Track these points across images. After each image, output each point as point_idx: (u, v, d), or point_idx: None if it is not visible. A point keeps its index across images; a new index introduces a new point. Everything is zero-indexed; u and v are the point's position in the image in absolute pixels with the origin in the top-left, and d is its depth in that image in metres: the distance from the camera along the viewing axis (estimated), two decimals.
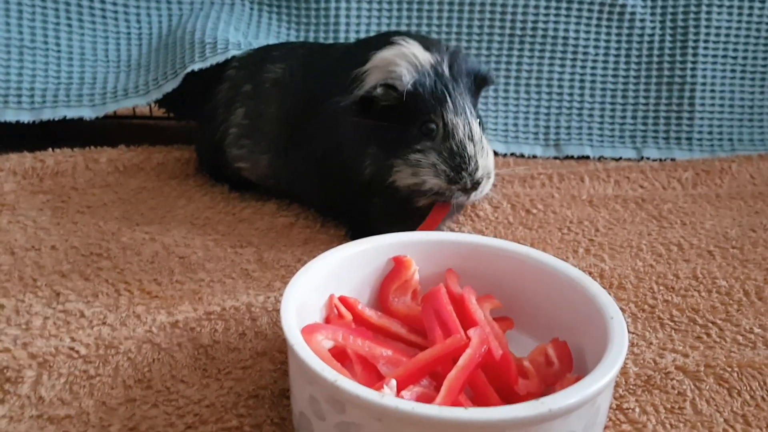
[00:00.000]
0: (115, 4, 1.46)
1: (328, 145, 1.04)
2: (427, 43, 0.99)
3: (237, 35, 1.41)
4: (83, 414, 0.67)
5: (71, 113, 1.38)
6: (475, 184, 0.93)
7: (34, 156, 1.27)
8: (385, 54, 0.97)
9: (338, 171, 1.03)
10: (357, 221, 1.06)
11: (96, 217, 1.11)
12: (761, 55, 1.58)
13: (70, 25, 1.44)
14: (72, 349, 0.76)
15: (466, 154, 0.92)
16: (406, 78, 0.92)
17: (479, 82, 1.00)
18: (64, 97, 1.40)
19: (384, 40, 1.01)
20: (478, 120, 0.98)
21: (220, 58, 1.31)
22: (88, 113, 1.39)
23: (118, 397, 0.70)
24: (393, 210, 1.00)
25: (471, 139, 0.93)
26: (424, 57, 0.95)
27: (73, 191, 1.20)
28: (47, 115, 1.38)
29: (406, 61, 0.94)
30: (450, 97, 0.93)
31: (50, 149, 1.31)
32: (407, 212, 1.00)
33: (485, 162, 0.94)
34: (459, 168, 0.92)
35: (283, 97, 1.14)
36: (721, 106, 1.57)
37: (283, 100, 1.13)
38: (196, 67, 1.32)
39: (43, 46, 1.42)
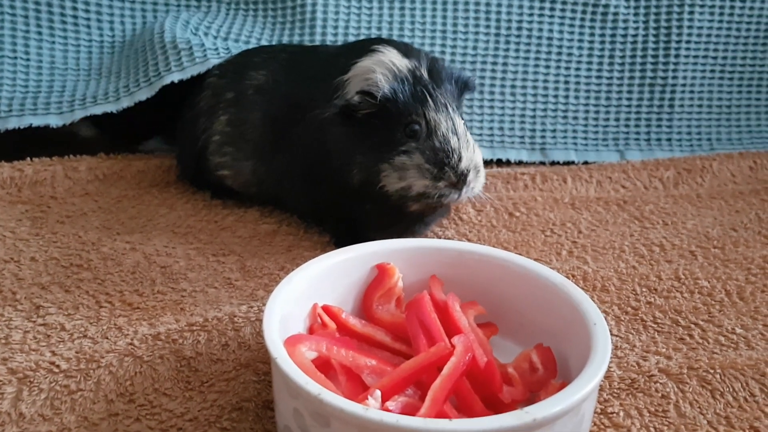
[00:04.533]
0: (87, 11, 1.43)
1: (314, 153, 1.04)
2: (406, 50, 1.00)
3: (209, 39, 1.39)
4: (65, 430, 0.67)
5: (37, 121, 1.34)
6: (461, 177, 0.93)
7: (12, 165, 1.25)
8: (364, 63, 0.98)
9: (325, 178, 1.03)
10: (342, 228, 1.06)
11: (76, 227, 1.09)
12: (740, 55, 1.59)
13: (40, 33, 1.41)
14: (53, 363, 0.75)
15: (449, 148, 0.92)
16: (382, 84, 0.93)
17: (460, 88, 1.00)
18: (31, 105, 1.36)
19: (364, 48, 1.01)
20: (463, 121, 0.98)
21: (201, 69, 1.30)
22: (55, 121, 1.35)
23: (100, 412, 0.69)
24: (385, 215, 1.01)
25: (455, 132, 0.93)
26: (402, 63, 0.96)
27: (52, 201, 1.19)
28: (13, 123, 1.34)
29: (384, 68, 0.95)
30: (430, 96, 0.94)
31: (28, 158, 1.29)
32: (400, 217, 1.00)
33: (470, 154, 0.94)
34: (442, 163, 0.92)
35: (266, 103, 1.13)
36: (700, 106, 1.58)
37: (267, 107, 1.13)
38: (176, 78, 1.30)
39: (11, 54, 1.39)
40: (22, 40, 1.40)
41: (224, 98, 1.18)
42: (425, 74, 0.97)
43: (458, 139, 0.93)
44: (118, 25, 1.45)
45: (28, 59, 1.40)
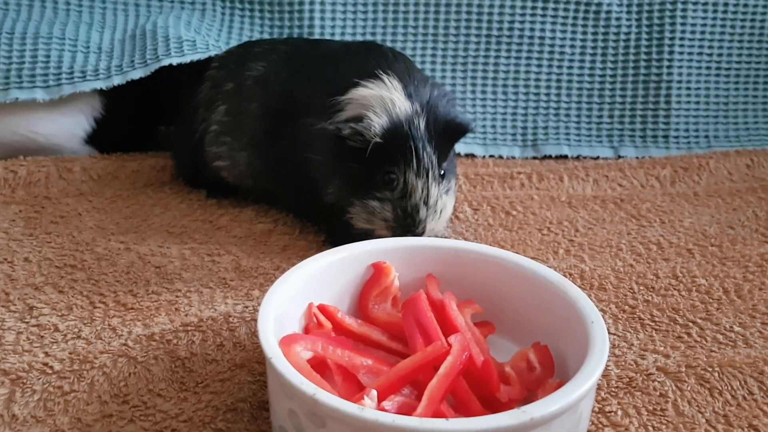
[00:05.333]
0: (80, 5, 1.43)
1: (301, 155, 1.04)
2: (410, 86, 0.97)
3: (211, 39, 1.39)
4: (58, 431, 0.66)
5: (23, 95, 1.30)
6: None
7: (5, 166, 1.24)
8: (365, 92, 0.96)
9: (307, 182, 1.04)
10: (335, 227, 1.05)
11: (70, 227, 1.09)
12: (736, 52, 1.59)
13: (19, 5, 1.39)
14: (46, 364, 0.74)
15: (417, 217, 0.93)
16: (376, 129, 0.91)
17: (457, 133, 0.99)
18: (16, 78, 1.31)
19: (369, 67, 0.99)
20: (442, 173, 0.97)
21: (202, 56, 1.30)
22: (41, 95, 1.31)
23: (94, 413, 0.68)
24: (350, 235, 1.00)
25: (426, 203, 0.93)
26: (403, 106, 0.94)
27: (46, 201, 1.18)
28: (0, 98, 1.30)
29: (382, 108, 0.93)
30: (416, 156, 0.93)
31: (22, 158, 1.28)
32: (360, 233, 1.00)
33: (434, 225, 0.95)
34: (408, 227, 0.94)
35: (264, 95, 1.13)
36: (697, 103, 1.58)
37: (264, 99, 1.13)
38: (175, 61, 1.29)
39: None
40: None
41: (224, 89, 1.18)
42: (422, 126, 0.94)
43: (427, 210, 0.94)
44: (110, 16, 1.43)
45: (12, 31, 1.35)
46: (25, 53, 1.33)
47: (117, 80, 1.31)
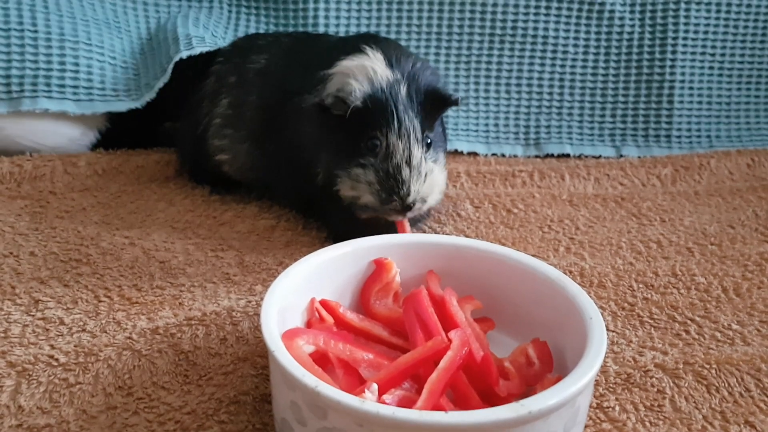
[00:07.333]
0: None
1: (295, 142, 1.06)
2: (393, 57, 0.98)
3: (218, 37, 1.40)
4: (63, 423, 0.67)
5: (54, 107, 1.30)
6: (407, 207, 0.94)
7: (11, 160, 1.26)
8: (348, 63, 0.98)
9: (300, 170, 1.05)
10: (333, 222, 1.06)
11: (75, 222, 1.10)
12: (738, 52, 1.60)
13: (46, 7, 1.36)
14: (51, 357, 0.75)
15: (400, 178, 0.93)
16: (357, 94, 0.93)
17: (439, 103, 0.99)
18: (44, 86, 1.30)
19: (357, 44, 1.01)
20: (428, 141, 0.97)
21: (211, 48, 1.31)
22: (72, 109, 1.31)
23: (99, 405, 0.69)
24: (343, 221, 1.02)
25: (408, 163, 0.94)
26: (384, 73, 0.96)
27: (51, 196, 1.19)
28: (26, 106, 1.29)
29: (363, 76, 0.95)
30: (397, 118, 0.94)
31: (28, 154, 1.29)
32: (358, 227, 1.00)
33: (418, 187, 0.94)
34: (391, 190, 0.93)
35: (262, 87, 1.14)
36: (699, 103, 1.59)
37: (263, 91, 1.14)
38: (184, 55, 1.30)
39: (18, 27, 1.31)
40: (29, 12, 1.32)
41: (227, 82, 1.19)
42: (402, 91, 0.95)
43: (410, 171, 0.94)
44: (121, 14, 1.44)
45: (34, 28, 1.32)
46: (52, 58, 1.32)
47: (148, 97, 1.34)
